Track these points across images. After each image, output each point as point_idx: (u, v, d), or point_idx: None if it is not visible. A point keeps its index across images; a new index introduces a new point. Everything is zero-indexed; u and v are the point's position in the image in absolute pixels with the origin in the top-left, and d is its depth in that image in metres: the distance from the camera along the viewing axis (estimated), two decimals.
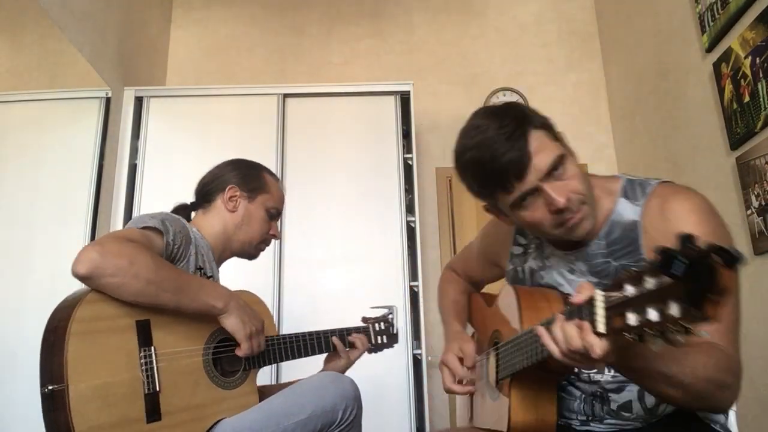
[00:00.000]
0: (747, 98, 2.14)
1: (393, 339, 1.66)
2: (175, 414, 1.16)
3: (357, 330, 1.59)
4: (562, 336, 0.76)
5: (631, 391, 1.01)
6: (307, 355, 1.48)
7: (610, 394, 1.02)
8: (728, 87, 2.27)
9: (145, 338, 1.15)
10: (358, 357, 1.56)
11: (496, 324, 1.17)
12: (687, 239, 0.55)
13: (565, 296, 1.06)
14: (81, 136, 2.59)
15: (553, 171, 0.95)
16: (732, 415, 1.16)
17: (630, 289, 0.63)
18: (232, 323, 1.23)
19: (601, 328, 0.69)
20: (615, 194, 1.03)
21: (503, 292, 1.17)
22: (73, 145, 2.57)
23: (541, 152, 0.94)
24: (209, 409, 1.23)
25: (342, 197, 2.75)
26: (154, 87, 3.12)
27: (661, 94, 2.85)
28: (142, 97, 2.86)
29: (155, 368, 1.15)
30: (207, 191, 1.49)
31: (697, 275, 0.54)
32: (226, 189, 1.47)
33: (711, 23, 2.39)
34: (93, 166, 2.55)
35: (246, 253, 1.52)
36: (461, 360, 1.21)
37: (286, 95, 2.89)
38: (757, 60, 2.09)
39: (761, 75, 2.06)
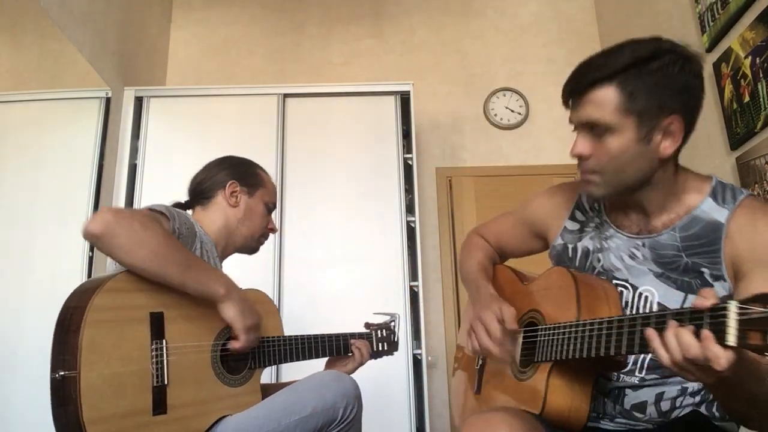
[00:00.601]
0: (747, 98, 2.14)
1: (393, 347, 1.66)
2: (180, 408, 1.17)
3: (360, 336, 1.59)
4: (676, 343, 0.72)
5: (649, 393, 1.00)
6: (311, 357, 1.48)
7: (626, 390, 1.01)
8: (728, 87, 2.27)
9: (157, 331, 1.16)
10: (362, 363, 1.56)
11: (535, 304, 1.13)
12: None
13: (621, 286, 1.04)
14: (81, 136, 2.59)
15: (592, 128, 0.98)
16: None
17: None
18: (232, 313, 1.22)
19: (732, 340, 0.66)
20: (703, 193, 1.00)
21: (552, 273, 1.12)
22: (73, 145, 2.57)
23: (594, 105, 0.97)
24: (213, 405, 1.24)
25: (342, 197, 2.75)
26: (154, 87, 3.12)
27: None
28: (142, 97, 2.86)
29: (165, 361, 1.16)
30: (204, 188, 1.50)
31: None
32: (227, 185, 1.48)
33: (711, 23, 2.39)
34: (93, 166, 2.55)
35: (248, 247, 1.53)
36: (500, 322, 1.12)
37: (286, 95, 2.89)
38: (757, 60, 2.09)
39: (761, 75, 2.06)
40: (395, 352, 1.68)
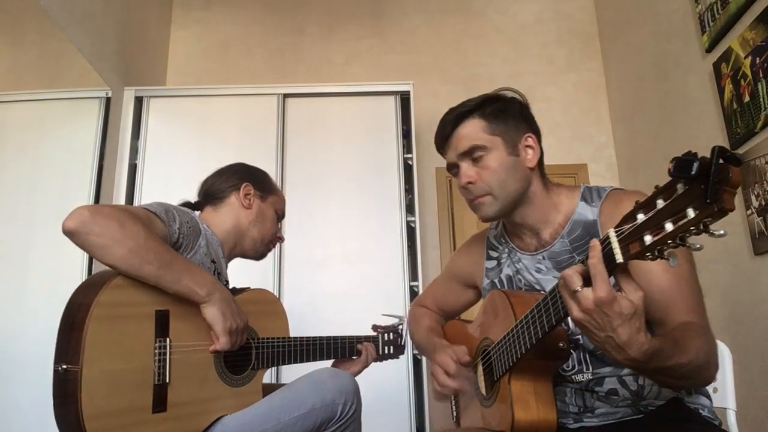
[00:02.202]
0: (747, 98, 2.14)
1: (399, 350, 1.67)
2: (180, 406, 1.17)
3: (367, 339, 1.60)
4: (578, 278, 0.78)
5: (611, 381, 1.05)
6: (315, 359, 1.48)
7: (594, 386, 1.07)
8: (728, 87, 2.27)
9: (162, 329, 1.16)
10: (367, 365, 1.56)
11: (484, 333, 1.20)
12: (692, 153, 0.64)
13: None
14: (81, 136, 2.59)
15: (471, 154, 1.13)
16: (732, 415, 1.17)
17: (641, 216, 0.70)
18: (212, 314, 1.20)
19: (619, 257, 0.73)
20: (575, 199, 1.15)
21: (486, 299, 1.22)
22: (73, 145, 2.57)
23: (464, 138, 1.14)
24: (214, 405, 1.24)
25: (342, 197, 2.75)
26: (154, 87, 3.12)
27: (661, 94, 2.85)
28: (142, 97, 2.86)
29: (168, 360, 1.16)
30: (217, 189, 1.50)
31: (713, 173, 0.61)
32: (243, 186, 1.48)
33: (711, 23, 2.39)
34: (93, 166, 2.55)
35: (257, 251, 1.52)
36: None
37: (286, 95, 2.89)
38: (757, 60, 2.09)
39: (761, 75, 2.06)
40: (401, 356, 1.68)
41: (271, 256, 2.60)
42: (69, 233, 1.10)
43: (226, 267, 1.48)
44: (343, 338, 1.54)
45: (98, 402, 1.04)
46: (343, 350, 1.54)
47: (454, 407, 1.33)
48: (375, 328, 1.65)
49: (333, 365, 1.58)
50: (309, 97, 2.90)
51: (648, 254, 0.69)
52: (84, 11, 2.53)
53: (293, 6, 3.70)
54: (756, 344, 2.10)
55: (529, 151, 1.15)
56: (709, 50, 2.41)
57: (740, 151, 2.18)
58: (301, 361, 1.45)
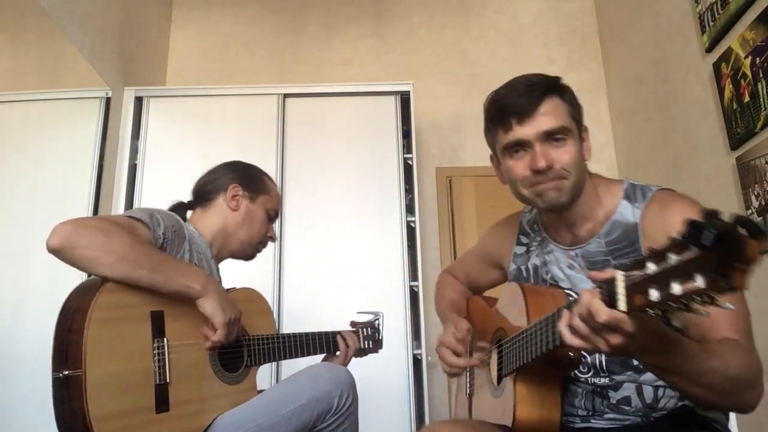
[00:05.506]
0: (747, 98, 2.14)
1: (378, 344, 1.71)
2: (181, 405, 1.18)
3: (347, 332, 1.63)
4: (587, 311, 0.73)
5: (629, 388, 1.02)
6: (303, 355, 1.50)
7: (609, 391, 1.04)
8: (728, 87, 2.27)
9: (158, 329, 1.17)
10: (348, 355, 1.59)
11: (499, 322, 1.18)
12: (712, 213, 0.56)
13: (568, 293, 1.08)
14: (81, 136, 2.59)
15: (552, 136, 1.03)
16: (732, 415, 1.16)
17: (652, 267, 0.64)
18: (210, 307, 1.21)
19: (622, 306, 0.68)
20: (618, 196, 1.07)
21: (506, 290, 1.19)
22: (73, 145, 2.57)
23: (550, 114, 1.03)
24: (212, 403, 1.25)
25: (342, 197, 2.75)
26: (154, 87, 3.12)
27: (661, 94, 2.85)
28: (142, 97, 2.86)
29: (167, 359, 1.16)
30: (207, 190, 1.50)
31: (726, 245, 0.54)
32: (229, 188, 1.48)
33: (711, 23, 2.39)
34: (93, 166, 2.55)
35: (245, 253, 1.52)
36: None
37: (286, 95, 2.89)
38: (757, 60, 2.09)
39: (761, 75, 2.06)
40: (380, 350, 1.72)
41: (271, 257, 2.62)
42: (55, 251, 1.08)
43: (217, 268, 1.48)
44: (326, 333, 1.56)
45: (104, 403, 1.05)
46: (328, 345, 1.56)
47: (468, 383, 1.32)
48: (354, 324, 1.68)
49: (323, 360, 1.60)
50: (309, 97, 2.90)
51: (651, 311, 0.64)
52: (84, 11, 2.53)
53: (293, 6, 3.70)
54: (757, 344, 2.09)
55: (585, 142, 1.11)
56: (709, 50, 2.41)
57: (740, 151, 2.18)
58: (291, 357, 1.47)
